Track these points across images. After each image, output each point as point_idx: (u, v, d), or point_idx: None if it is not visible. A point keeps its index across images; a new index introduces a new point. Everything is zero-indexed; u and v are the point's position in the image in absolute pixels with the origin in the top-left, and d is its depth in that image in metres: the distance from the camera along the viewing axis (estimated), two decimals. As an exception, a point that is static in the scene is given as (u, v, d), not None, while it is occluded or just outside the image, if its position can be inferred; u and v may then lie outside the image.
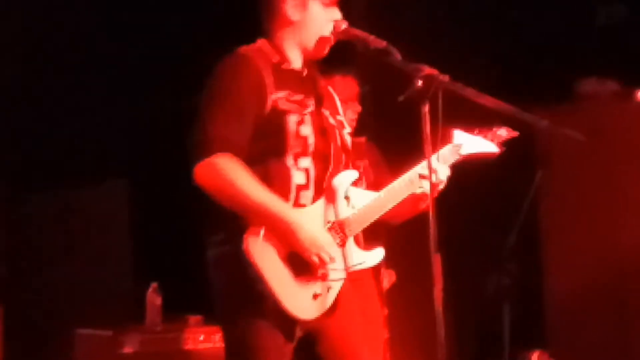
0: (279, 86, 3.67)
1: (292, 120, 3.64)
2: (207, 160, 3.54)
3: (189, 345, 5.87)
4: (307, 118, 3.69)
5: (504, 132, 3.99)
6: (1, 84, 6.78)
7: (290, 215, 3.55)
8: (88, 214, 7.38)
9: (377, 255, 3.78)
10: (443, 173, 3.78)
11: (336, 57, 4.00)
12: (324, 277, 3.60)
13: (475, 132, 3.96)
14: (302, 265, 3.59)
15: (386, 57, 3.65)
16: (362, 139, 5.32)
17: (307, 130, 3.68)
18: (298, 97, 3.70)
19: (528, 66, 7.09)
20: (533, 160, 6.80)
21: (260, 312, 3.57)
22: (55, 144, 7.14)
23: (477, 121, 3.99)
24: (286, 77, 3.72)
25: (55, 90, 7.03)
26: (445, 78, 3.47)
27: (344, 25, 3.79)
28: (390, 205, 3.76)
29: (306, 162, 3.66)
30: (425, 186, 3.73)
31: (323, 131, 3.75)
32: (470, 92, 3.57)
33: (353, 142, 3.97)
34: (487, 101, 3.59)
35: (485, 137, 3.95)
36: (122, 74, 7.18)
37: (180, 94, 7.06)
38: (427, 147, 3.40)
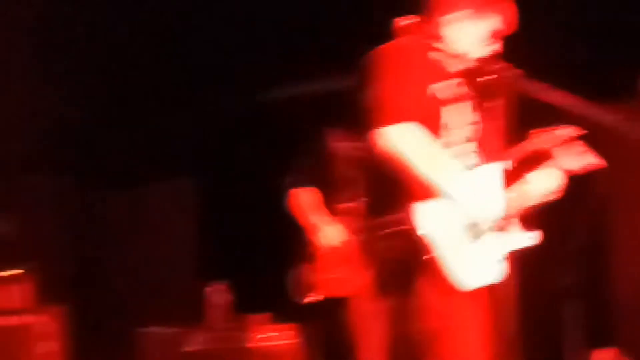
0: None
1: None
2: (395, 126, 3.46)
3: (252, 343, 5.87)
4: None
5: (564, 132, 3.85)
6: (75, 85, 6.84)
7: None
8: (155, 213, 7.41)
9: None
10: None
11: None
12: None
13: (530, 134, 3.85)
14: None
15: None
16: None
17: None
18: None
19: (590, 60, 6.97)
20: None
21: None
22: (123, 143, 7.17)
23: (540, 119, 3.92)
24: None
25: (126, 90, 7.07)
26: (519, 72, 3.42)
27: None
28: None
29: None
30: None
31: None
32: (540, 88, 3.51)
33: None
34: (558, 98, 3.52)
35: (545, 139, 3.83)
36: (190, 75, 7.20)
37: (248, 93, 7.10)
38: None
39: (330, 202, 4.39)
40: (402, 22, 3.72)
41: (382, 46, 3.62)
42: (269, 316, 6.03)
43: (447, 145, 3.56)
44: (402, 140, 3.44)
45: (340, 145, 4.37)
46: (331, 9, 6.57)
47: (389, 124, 3.43)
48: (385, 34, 3.70)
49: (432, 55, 3.64)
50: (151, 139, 7.23)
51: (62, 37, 6.93)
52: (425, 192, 3.45)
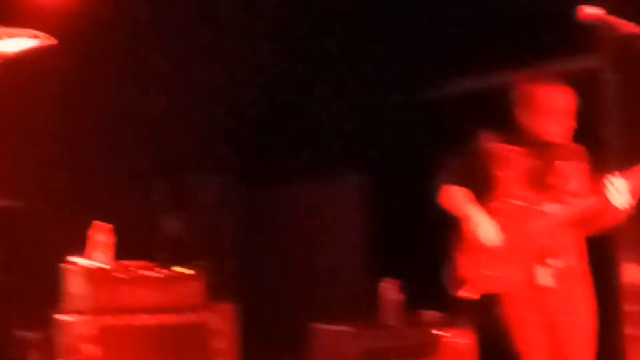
0: None
1: None
2: None
3: (425, 341, 5.79)
4: None
5: None
6: (239, 84, 6.89)
7: None
8: (322, 210, 7.39)
9: None
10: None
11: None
12: None
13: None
14: None
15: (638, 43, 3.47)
16: None
17: None
18: None
19: None
20: None
21: None
22: (289, 140, 7.18)
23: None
24: None
25: (292, 87, 7.08)
26: None
27: (591, 9, 3.60)
28: None
29: None
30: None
31: None
32: None
33: None
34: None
35: None
36: (359, 71, 7.16)
37: (415, 91, 7.03)
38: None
39: (481, 201, 4.34)
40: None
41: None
42: (441, 313, 5.96)
43: None
44: None
45: (492, 145, 4.33)
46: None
47: None
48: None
49: None
50: (317, 136, 7.22)
51: (226, 41, 7.00)
52: None
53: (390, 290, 5.98)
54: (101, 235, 6.01)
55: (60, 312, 5.81)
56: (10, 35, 3.09)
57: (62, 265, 5.94)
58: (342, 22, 7.17)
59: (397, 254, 6.90)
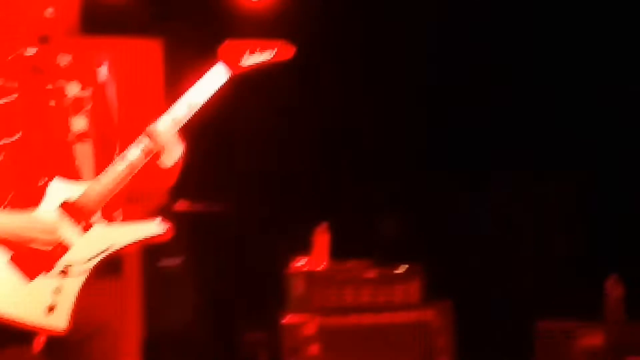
0: None
1: None
2: None
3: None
4: None
5: None
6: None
7: None
8: (541, 205, 7.25)
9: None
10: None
11: None
12: None
13: None
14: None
15: None
16: None
17: None
18: None
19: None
20: None
21: None
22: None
23: None
24: None
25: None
26: None
27: None
28: None
29: None
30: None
31: None
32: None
33: None
34: None
35: None
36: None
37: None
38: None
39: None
40: None
41: None
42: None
43: None
44: None
45: None
46: None
47: None
48: None
49: None
50: (536, 130, 7.06)
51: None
52: None
53: (614, 287, 5.85)
54: (322, 236, 6.12)
55: (285, 314, 5.96)
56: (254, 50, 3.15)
57: (286, 268, 6.11)
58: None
59: (619, 250, 6.72)
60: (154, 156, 2.96)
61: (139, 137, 2.96)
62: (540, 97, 7.01)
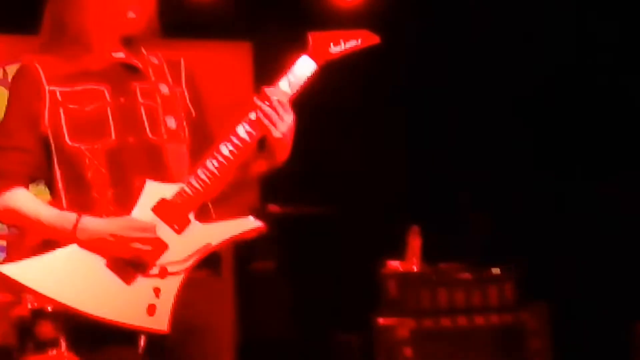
0: None
1: None
2: None
3: None
4: None
5: None
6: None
7: None
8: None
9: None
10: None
11: None
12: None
13: None
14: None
15: None
16: None
17: None
18: None
19: None
20: None
21: None
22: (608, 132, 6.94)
23: None
24: None
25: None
26: None
27: None
28: None
29: None
30: None
31: None
32: None
33: None
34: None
35: None
36: None
37: None
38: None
39: None
40: None
41: None
42: None
43: None
44: None
45: None
46: None
47: None
48: None
49: None
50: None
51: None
52: None
53: None
54: (415, 238, 6.09)
55: (378, 316, 5.92)
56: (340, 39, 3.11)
57: (380, 269, 6.08)
58: None
59: None
60: (261, 130, 2.92)
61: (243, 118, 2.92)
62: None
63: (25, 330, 5.17)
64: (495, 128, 7.10)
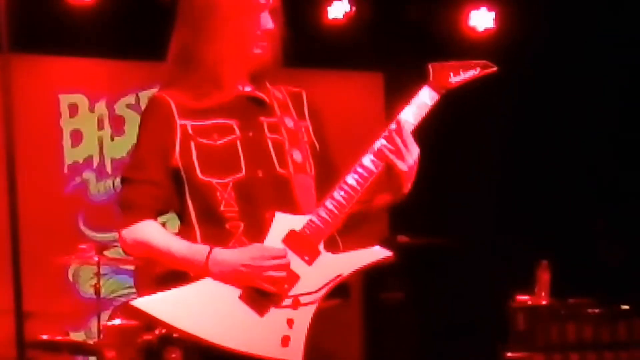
0: None
1: None
2: None
3: None
4: None
5: None
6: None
7: None
8: None
9: None
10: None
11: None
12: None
13: None
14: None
15: None
16: None
17: None
18: None
19: None
20: None
21: None
22: None
23: None
24: None
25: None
26: None
27: None
28: None
29: None
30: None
31: None
32: None
33: None
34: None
35: None
36: None
37: None
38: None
39: None
40: None
41: None
42: None
43: None
44: None
45: None
46: None
47: None
48: None
49: None
50: None
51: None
52: None
53: None
54: (544, 272, 6.03)
55: (506, 349, 5.87)
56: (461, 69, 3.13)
57: (509, 302, 6.03)
58: None
59: None
60: (387, 160, 2.94)
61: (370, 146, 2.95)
62: None
63: (152, 355, 5.26)
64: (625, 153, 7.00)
